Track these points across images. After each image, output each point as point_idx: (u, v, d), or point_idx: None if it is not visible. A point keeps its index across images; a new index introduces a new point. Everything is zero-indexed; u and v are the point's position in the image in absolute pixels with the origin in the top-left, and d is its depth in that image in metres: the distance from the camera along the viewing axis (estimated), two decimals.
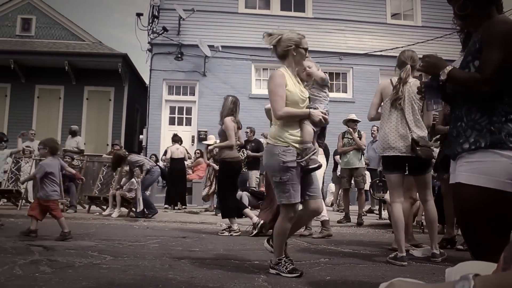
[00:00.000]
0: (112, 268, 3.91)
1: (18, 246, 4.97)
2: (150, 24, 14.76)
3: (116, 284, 3.32)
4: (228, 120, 6.89)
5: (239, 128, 7.13)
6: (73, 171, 8.19)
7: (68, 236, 5.63)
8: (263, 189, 9.39)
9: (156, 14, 14.66)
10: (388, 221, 8.05)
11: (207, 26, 14.64)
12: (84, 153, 12.86)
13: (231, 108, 7.03)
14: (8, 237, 5.71)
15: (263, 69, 14.97)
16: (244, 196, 9.67)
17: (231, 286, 3.35)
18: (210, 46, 14.11)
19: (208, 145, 8.97)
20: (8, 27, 17.57)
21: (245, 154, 10.94)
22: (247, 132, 10.41)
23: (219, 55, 14.34)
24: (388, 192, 7.64)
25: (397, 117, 4.53)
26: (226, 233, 6.83)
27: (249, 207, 9.58)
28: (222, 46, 14.19)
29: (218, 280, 3.55)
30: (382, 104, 4.83)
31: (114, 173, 9.64)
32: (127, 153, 9.38)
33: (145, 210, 8.84)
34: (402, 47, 14.68)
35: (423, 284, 1.07)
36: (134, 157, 9.24)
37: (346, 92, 15.25)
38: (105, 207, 9.82)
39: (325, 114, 3.82)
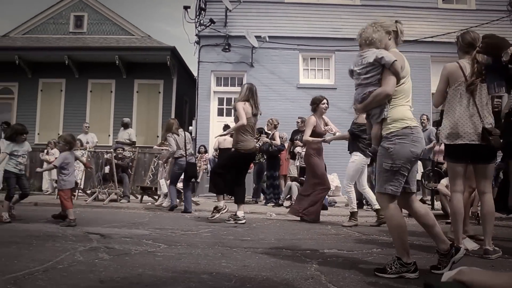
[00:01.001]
0: (167, 256, 4.01)
1: (78, 234, 5.18)
2: (197, 17, 14.88)
3: (171, 271, 3.40)
4: (239, 104, 6.94)
5: (254, 114, 7.12)
6: (84, 161, 8.74)
7: (72, 223, 5.99)
8: None
9: (203, 6, 14.76)
10: (441, 211, 7.84)
11: (253, 16, 14.63)
12: (136, 145, 13.19)
13: (247, 94, 7.09)
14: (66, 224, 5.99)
15: (310, 58, 14.80)
16: (294, 187, 9.65)
17: (283, 275, 3.36)
18: (257, 37, 14.10)
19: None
20: (62, 25, 18.20)
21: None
22: (297, 122, 10.31)
23: (266, 46, 14.31)
24: (440, 182, 7.48)
25: (467, 104, 4.26)
26: (217, 214, 6.96)
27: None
28: (269, 37, 14.15)
29: (270, 268, 3.57)
30: (448, 90, 4.56)
31: (165, 164, 9.82)
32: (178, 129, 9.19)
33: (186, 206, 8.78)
34: (454, 32, 14.15)
35: (493, 272, 1.03)
36: (172, 140, 8.93)
37: None
38: (156, 197, 10.07)
39: None
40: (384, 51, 3.53)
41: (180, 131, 8.96)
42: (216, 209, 6.97)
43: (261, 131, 11.36)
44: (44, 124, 16.53)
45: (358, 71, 3.60)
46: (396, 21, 3.72)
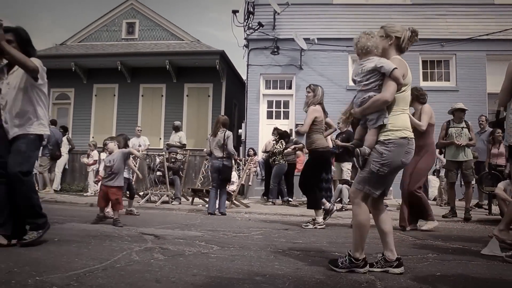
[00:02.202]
0: (220, 257, 4.04)
1: (133, 234, 5.32)
2: (246, 20, 15.00)
3: (225, 272, 3.43)
4: (312, 109, 6.93)
5: (326, 116, 7.15)
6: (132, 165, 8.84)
7: (118, 223, 6.25)
8: None
9: (252, 10, 14.85)
10: (499, 216, 7.54)
11: (302, 19, 14.60)
12: (186, 148, 13.41)
13: (321, 97, 7.11)
14: (122, 225, 6.16)
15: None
16: (344, 189, 9.53)
17: (337, 279, 3.33)
18: (306, 39, 14.06)
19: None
20: (114, 32, 18.82)
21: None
22: (338, 123, 10.15)
23: (315, 48, 14.24)
24: (498, 186, 7.15)
25: None
26: (310, 226, 6.78)
27: (349, 200, 9.51)
28: (318, 39, 14.08)
29: (324, 272, 3.54)
30: None
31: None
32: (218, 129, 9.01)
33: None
34: (511, 29, 13.68)
35: None
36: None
37: (448, 81, 14.46)
38: (207, 199, 10.19)
39: None
40: (384, 60, 3.53)
41: (221, 131, 8.82)
42: (313, 221, 6.85)
43: (280, 132, 11.37)
44: (98, 127, 17.11)
45: (358, 80, 3.64)
46: (409, 29, 3.67)
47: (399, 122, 3.51)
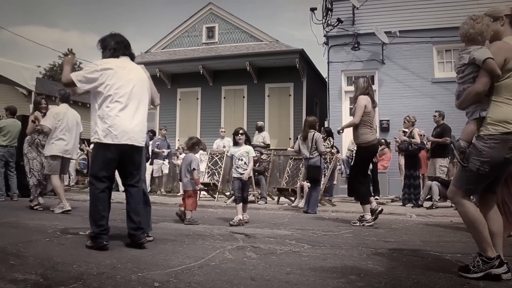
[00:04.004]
0: (312, 256, 4.03)
1: (224, 233, 5.44)
2: (325, 17, 14.84)
3: (318, 271, 3.41)
4: (362, 98, 6.72)
5: (374, 107, 6.90)
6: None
7: (195, 222, 6.43)
8: None
9: (330, 6, 14.68)
10: None
11: (382, 12, 14.19)
12: (270, 147, 13.50)
13: (366, 86, 6.87)
14: (211, 224, 6.32)
15: (445, 50, 13.93)
16: (434, 187, 9.15)
17: (435, 279, 3.21)
18: (387, 33, 13.65)
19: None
20: (195, 37, 19.41)
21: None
22: (435, 116, 9.73)
23: (397, 41, 13.77)
24: None
25: None
26: (358, 223, 6.57)
27: (439, 197, 9.13)
28: (400, 31, 13.60)
29: (421, 272, 3.42)
30: None
31: (300, 165, 9.92)
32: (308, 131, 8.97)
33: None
34: None
35: None
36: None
37: None
38: (293, 198, 10.22)
39: None
40: (478, 50, 3.25)
41: (311, 132, 8.83)
42: (361, 219, 6.68)
43: (327, 130, 11.01)
44: (183, 130, 17.69)
45: (456, 70, 3.45)
46: None
47: (501, 114, 3.17)
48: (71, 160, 8.94)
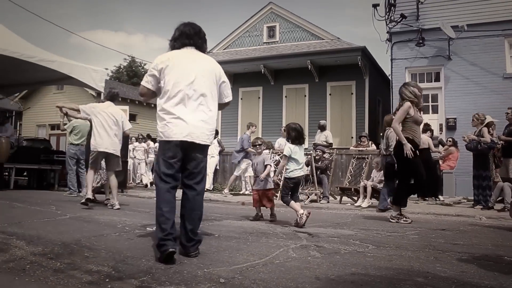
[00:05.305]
0: (377, 256, 3.96)
1: (287, 232, 5.45)
2: (387, 13, 14.52)
3: (384, 272, 3.35)
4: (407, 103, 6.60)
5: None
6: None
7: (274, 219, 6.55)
8: None
9: (393, 2, 14.35)
10: None
11: (448, 5, 13.69)
12: (332, 146, 13.38)
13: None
14: (271, 223, 6.35)
15: None
16: (506, 188, 8.73)
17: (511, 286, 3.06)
18: (454, 27, 13.16)
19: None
20: (256, 37, 19.56)
21: None
22: (507, 113, 9.27)
23: (465, 35, 13.26)
24: None
25: None
26: (394, 221, 6.62)
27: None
28: (468, 25, 13.07)
29: (494, 277, 3.27)
30: None
31: (363, 165, 9.79)
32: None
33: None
34: None
35: None
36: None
37: None
38: (355, 197, 10.08)
39: None
40: None
41: (387, 130, 8.76)
42: (398, 217, 6.79)
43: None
44: (245, 130, 17.77)
45: None
46: None
47: None
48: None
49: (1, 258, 3.45)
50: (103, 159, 7.84)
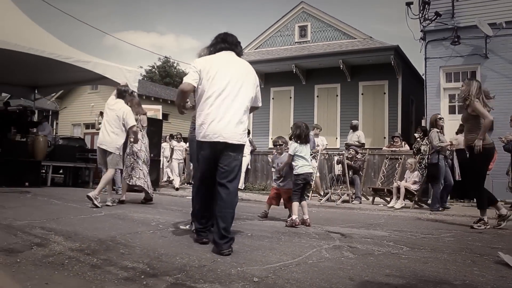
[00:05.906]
0: (412, 258, 3.90)
1: (320, 232, 5.43)
2: (421, 12, 14.23)
3: (419, 275, 3.30)
4: (477, 103, 6.38)
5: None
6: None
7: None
8: None
9: (427, 0, 14.08)
10: None
11: (485, 2, 13.29)
12: (364, 147, 13.24)
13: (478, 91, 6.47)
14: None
15: None
16: None
17: None
18: (491, 24, 12.80)
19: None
20: (288, 36, 19.52)
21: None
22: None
23: (503, 33, 12.87)
24: None
25: None
26: (483, 227, 6.31)
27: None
28: (506, 22, 12.71)
29: None
30: None
31: (396, 165, 9.66)
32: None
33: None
34: None
35: None
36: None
37: None
38: (388, 198, 9.95)
39: None
40: None
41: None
42: (501, 217, 6.49)
43: (424, 129, 10.31)
44: (276, 129, 17.83)
45: None
46: None
47: None
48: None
49: (41, 253, 3.55)
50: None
